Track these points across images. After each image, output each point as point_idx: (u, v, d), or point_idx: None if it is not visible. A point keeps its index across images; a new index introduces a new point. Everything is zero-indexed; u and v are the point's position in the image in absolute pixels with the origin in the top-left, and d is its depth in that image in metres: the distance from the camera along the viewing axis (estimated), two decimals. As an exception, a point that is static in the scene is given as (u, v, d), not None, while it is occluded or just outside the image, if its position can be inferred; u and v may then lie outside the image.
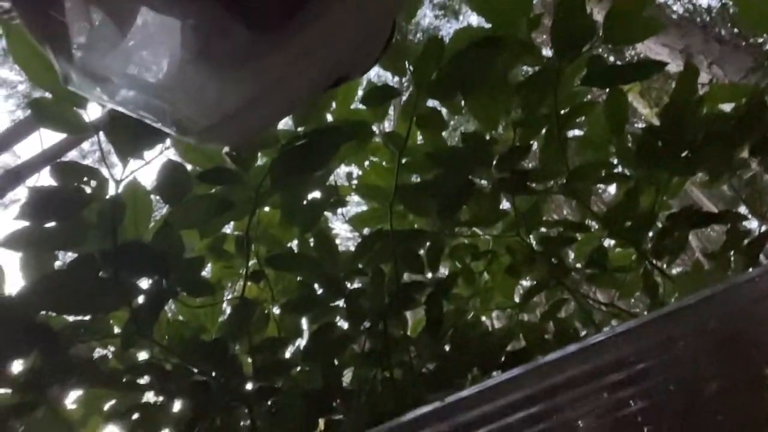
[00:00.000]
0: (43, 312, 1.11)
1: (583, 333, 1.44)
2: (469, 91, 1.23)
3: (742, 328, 0.69)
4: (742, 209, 1.59)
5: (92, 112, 1.08)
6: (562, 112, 1.27)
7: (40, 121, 1.04)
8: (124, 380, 1.20)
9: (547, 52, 1.26)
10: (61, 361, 1.09)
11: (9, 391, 1.13)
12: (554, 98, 1.22)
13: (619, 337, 0.68)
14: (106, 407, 1.29)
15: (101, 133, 1.06)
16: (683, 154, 1.31)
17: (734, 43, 3.57)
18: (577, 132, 1.95)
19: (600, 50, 1.34)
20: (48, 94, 1.04)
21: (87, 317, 1.19)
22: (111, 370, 1.23)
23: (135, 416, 1.26)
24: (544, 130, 1.33)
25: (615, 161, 1.40)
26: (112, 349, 1.29)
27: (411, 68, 1.20)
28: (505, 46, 1.16)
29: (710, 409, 0.65)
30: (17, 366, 1.12)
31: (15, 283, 1.08)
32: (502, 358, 1.38)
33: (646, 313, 1.49)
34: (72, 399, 1.28)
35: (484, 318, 1.73)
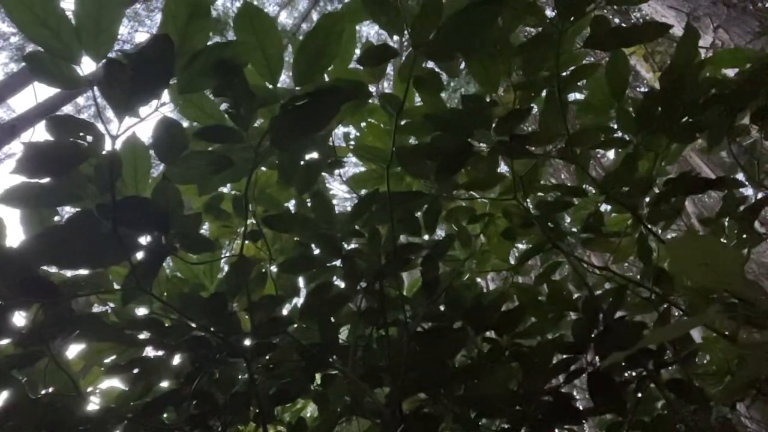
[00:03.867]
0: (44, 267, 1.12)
1: (576, 295, 1.47)
2: (469, 52, 1.20)
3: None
4: (740, 176, 1.59)
5: (86, 67, 1.06)
6: (563, 74, 1.25)
7: (35, 75, 1.02)
8: (124, 335, 1.22)
9: (550, 12, 1.23)
10: (62, 314, 1.11)
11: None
12: (556, 60, 1.21)
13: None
14: (107, 361, 1.32)
15: (96, 88, 1.04)
16: (683, 120, 1.30)
17: (742, 6, 3.49)
18: (577, 95, 1.93)
19: (605, 11, 1.31)
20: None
21: (86, 272, 1.20)
22: (111, 326, 1.25)
23: (135, 370, 1.29)
24: (544, 93, 1.31)
25: (615, 126, 1.39)
26: (111, 305, 1.31)
27: (409, 28, 1.17)
28: (506, 5, 1.14)
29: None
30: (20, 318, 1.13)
31: (16, 237, 1.08)
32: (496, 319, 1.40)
33: (638, 277, 1.51)
34: (74, 352, 1.31)
35: (479, 279, 1.76)
